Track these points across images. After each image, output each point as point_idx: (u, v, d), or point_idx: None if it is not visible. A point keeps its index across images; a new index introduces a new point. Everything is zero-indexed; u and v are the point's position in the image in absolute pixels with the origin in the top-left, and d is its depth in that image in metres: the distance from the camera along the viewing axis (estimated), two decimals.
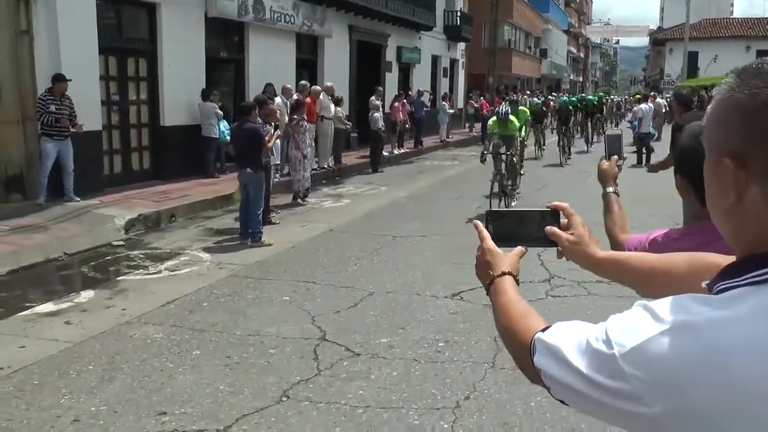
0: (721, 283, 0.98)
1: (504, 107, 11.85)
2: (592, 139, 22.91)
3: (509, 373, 4.82)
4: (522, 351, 1.17)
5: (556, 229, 1.47)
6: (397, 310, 6.17)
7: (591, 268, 1.50)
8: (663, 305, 0.95)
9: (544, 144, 21.24)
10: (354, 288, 6.87)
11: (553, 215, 1.48)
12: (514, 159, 11.77)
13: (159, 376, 4.78)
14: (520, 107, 14.01)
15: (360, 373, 4.87)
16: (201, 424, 4.10)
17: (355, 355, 5.21)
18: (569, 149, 19.63)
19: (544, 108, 22.43)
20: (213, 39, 14.45)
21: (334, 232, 9.66)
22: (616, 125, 35.75)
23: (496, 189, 10.84)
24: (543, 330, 1.12)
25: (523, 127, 12.94)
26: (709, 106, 1.03)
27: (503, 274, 1.39)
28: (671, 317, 0.92)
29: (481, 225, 1.50)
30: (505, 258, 1.42)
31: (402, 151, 20.15)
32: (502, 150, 11.17)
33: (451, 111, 25.29)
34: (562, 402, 1.07)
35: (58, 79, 9.98)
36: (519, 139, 12.51)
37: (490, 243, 1.45)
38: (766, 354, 0.86)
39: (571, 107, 22.23)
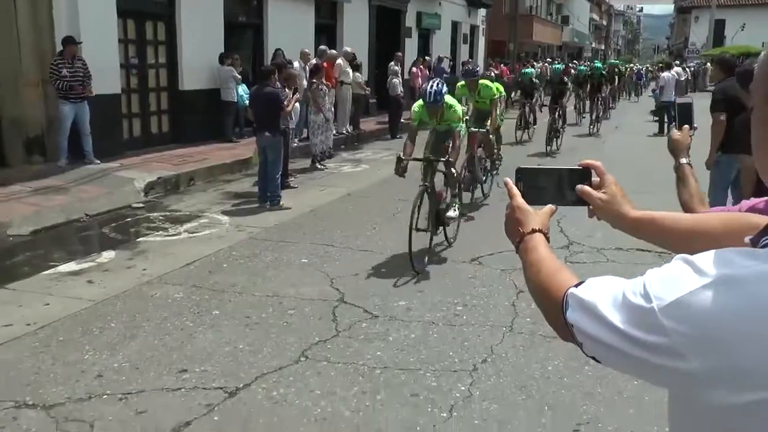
0: (767, 238, 0.95)
1: (435, 84, 6.70)
2: (592, 113, 18.10)
3: (527, 337, 4.85)
4: (553, 307, 1.15)
5: (587, 187, 1.44)
6: (415, 273, 6.18)
7: (623, 227, 1.46)
8: (705, 258, 0.93)
9: (563, 125, 15.75)
10: (372, 251, 6.89)
11: (584, 174, 1.45)
12: (454, 171, 6.99)
13: (179, 334, 4.84)
14: (484, 82, 9.29)
15: (378, 335, 4.90)
16: (221, 381, 4.15)
17: (373, 317, 5.25)
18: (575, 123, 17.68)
19: (564, 78, 15.92)
20: (231, 3, 14.34)
21: (352, 197, 9.66)
22: (636, 95, 34.24)
23: (421, 223, 6.48)
24: (576, 285, 1.10)
25: (493, 112, 9.13)
26: (760, 59, 1.03)
27: (533, 231, 1.37)
28: (715, 270, 0.90)
29: (511, 183, 1.47)
30: (535, 215, 1.40)
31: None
32: (433, 156, 6.90)
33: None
34: (594, 359, 1.05)
35: (69, 41, 9.95)
36: (485, 129, 9.04)
37: (519, 200, 1.43)
38: None
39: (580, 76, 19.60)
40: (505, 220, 1.45)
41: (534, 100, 16.79)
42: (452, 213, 7.09)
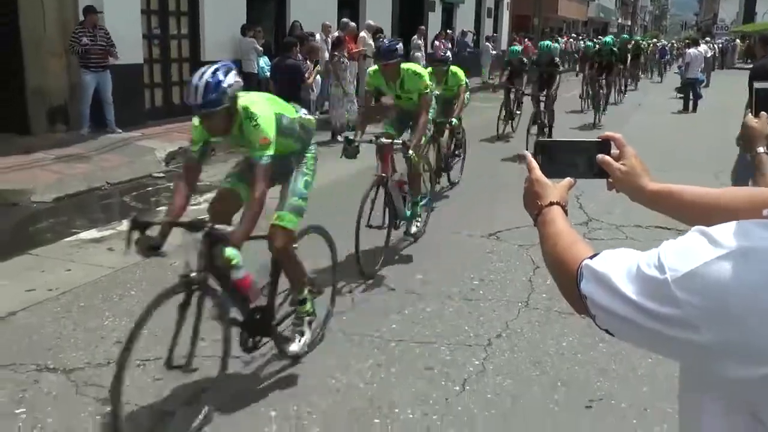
0: None
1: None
2: (595, 99, 15.31)
3: (542, 313, 4.84)
4: (568, 279, 1.15)
5: (608, 158, 1.43)
6: (433, 248, 6.19)
7: (643, 200, 1.45)
8: (722, 230, 0.92)
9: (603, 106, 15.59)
10: None
11: (604, 146, 1.44)
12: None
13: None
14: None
15: (394, 308, 4.92)
16: (237, 351, 4.19)
17: (389, 290, 5.27)
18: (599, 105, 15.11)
19: (555, 59, 12.57)
20: None
21: (373, 169, 9.62)
22: (660, 75, 31.37)
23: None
24: (591, 257, 1.10)
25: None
26: None
27: (551, 204, 1.36)
28: (732, 242, 0.89)
29: (530, 156, 1.46)
30: (554, 188, 1.40)
31: None
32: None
33: (494, 52, 24.81)
34: (607, 331, 1.05)
35: (90, 10, 10.00)
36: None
37: (538, 173, 1.42)
38: None
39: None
40: (524, 193, 1.44)
41: (524, 83, 13.18)
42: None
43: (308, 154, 4.04)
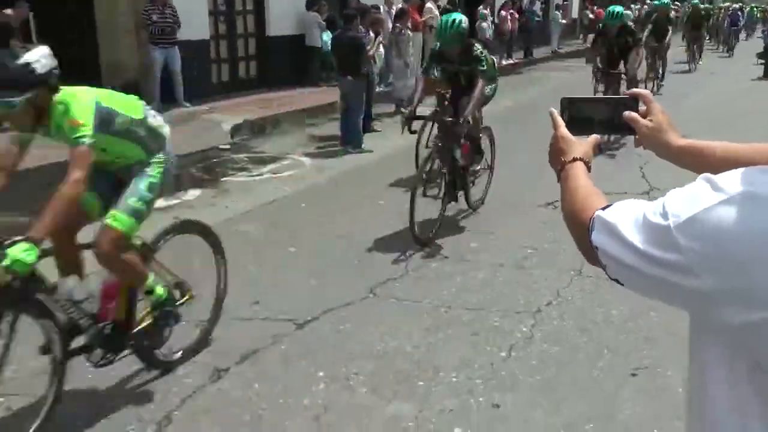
0: None
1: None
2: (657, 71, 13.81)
3: (594, 281, 4.80)
4: (582, 231, 1.16)
5: (634, 114, 1.42)
6: (490, 217, 6.19)
7: (670, 157, 1.44)
8: (727, 176, 0.92)
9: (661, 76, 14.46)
10: None
11: (631, 103, 1.44)
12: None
13: (255, 269, 5.06)
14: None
15: (447, 275, 4.98)
16: (291, 314, 4.35)
17: (443, 258, 5.33)
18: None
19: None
20: None
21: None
22: (729, 47, 25.33)
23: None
24: (603, 209, 1.11)
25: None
26: None
27: (574, 159, 1.37)
28: (735, 188, 0.89)
29: (555, 113, 1.47)
30: (578, 145, 1.41)
31: (511, 61, 19.60)
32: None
33: (564, 21, 24.20)
34: (617, 281, 1.07)
35: None
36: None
37: (563, 130, 1.44)
38: None
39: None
40: (549, 149, 1.45)
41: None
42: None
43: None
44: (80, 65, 9.93)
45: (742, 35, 27.26)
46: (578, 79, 16.32)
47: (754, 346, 0.92)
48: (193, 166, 8.22)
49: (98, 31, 10.45)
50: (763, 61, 16.89)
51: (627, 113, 1.42)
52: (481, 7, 17.23)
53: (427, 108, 6.43)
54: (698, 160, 1.39)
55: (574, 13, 29.07)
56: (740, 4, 27.53)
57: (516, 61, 19.96)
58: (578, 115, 1.46)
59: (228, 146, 9.25)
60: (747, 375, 0.95)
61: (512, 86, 16.11)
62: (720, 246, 0.87)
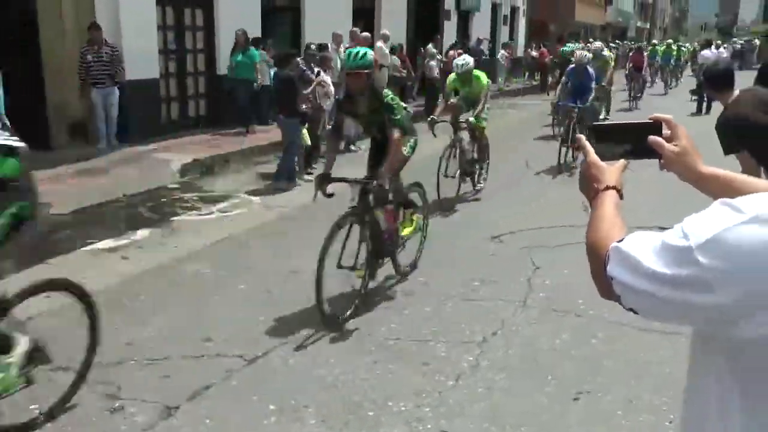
0: None
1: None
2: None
3: (540, 312, 4.97)
4: (598, 263, 1.19)
5: (659, 139, 1.45)
6: (437, 250, 6.32)
7: (693, 181, 1.47)
8: (745, 199, 0.99)
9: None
10: None
11: (655, 128, 1.46)
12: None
13: (206, 308, 5.08)
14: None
15: (396, 308, 5.08)
16: (241, 350, 4.37)
17: (392, 291, 5.43)
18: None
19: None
20: None
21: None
22: (666, 84, 24.68)
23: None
24: (619, 241, 1.15)
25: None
26: None
27: (607, 188, 1.39)
28: (753, 209, 0.96)
29: (584, 139, 1.49)
30: (611, 172, 1.42)
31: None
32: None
33: (507, 58, 24.84)
34: (632, 310, 1.14)
35: (91, 27, 10.09)
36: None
37: (594, 157, 1.45)
38: None
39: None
40: (580, 176, 1.48)
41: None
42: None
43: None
44: (26, 105, 9.87)
45: (658, 78, 25.34)
46: (528, 115, 16.80)
47: (758, 357, 1.01)
48: (141, 205, 8.19)
49: (44, 70, 10.37)
50: (696, 98, 17.62)
51: (652, 138, 1.44)
52: (429, 45, 17.65)
53: None
54: (720, 187, 1.43)
55: (520, 52, 29.93)
56: (667, 43, 27.67)
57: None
58: (605, 141, 1.48)
59: (177, 185, 9.24)
60: (738, 384, 1.06)
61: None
62: (740, 262, 0.95)
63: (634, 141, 1.46)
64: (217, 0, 13.02)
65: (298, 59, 10.23)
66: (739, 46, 34.10)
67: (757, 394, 1.04)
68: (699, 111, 16.89)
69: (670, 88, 24.58)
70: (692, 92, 18.04)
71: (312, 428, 3.53)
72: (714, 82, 4.85)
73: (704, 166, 1.45)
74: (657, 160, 1.46)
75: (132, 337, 4.56)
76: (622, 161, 1.45)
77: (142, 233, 7.02)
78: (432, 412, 3.66)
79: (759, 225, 0.94)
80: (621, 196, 1.38)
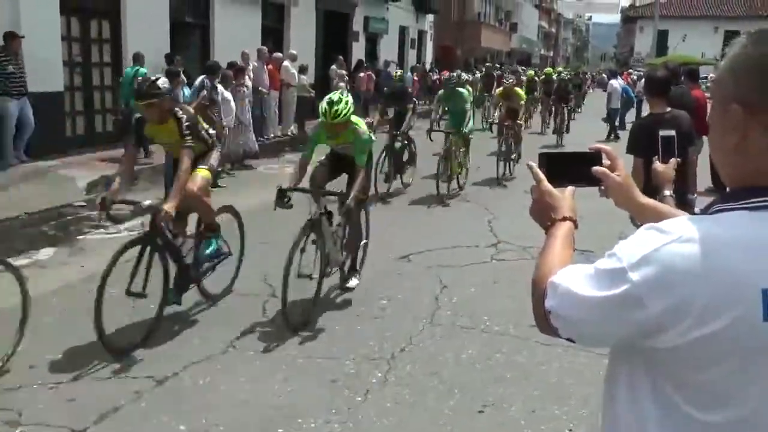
0: (717, 206, 1.17)
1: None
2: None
3: (445, 328, 5.17)
4: (538, 297, 1.25)
5: (605, 169, 1.52)
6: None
7: (632, 209, 1.57)
8: (668, 223, 1.12)
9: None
10: None
11: (597, 157, 1.55)
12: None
13: (113, 328, 5.00)
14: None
15: (306, 327, 5.15)
16: (151, 371, 4.35)
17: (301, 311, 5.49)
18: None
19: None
20: (178, 2, 14.40)
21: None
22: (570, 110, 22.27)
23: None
24: (554, 275, 1.22)
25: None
26: (722, 61, 1.18)
27: (564, 219, 1.42)
28: (677, 231, 1.09)
29: (536, 167, 1.51)
30: (565, 200, 1.45)
31: (368, 120, 20.27)
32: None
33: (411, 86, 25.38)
34: (569, 340, 1.22)
35: (12, 36, 9.80)
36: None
37: (548, 185, 1.47)
38: (747, 248, 1.06)
39: None
40: (533, 203, 1.49)
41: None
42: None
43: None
44: None
45: None
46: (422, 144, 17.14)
47: (678, 366, 1.12)
48: (45, 224, 7.95)
49: None
50: (608, 124, 18.69)
51: (597, 169, 1.52)
52: (334, 66, 17.90)
53: None
54: (653, 216, 1.48)
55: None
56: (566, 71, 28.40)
57: (370, 120, 20.68)
58: (554, 169, 1.53)
59: (83, 203, 9.00)
60: (651, 393, 1.17)
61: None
62: (668, 276, 1.07)
63: (579, 168, 1.53)
64: (124, 12, 12.79)
65: (203, 77, 10.28)
66: (635, 77, 35.93)
67: (671, 403, 1.16)
68: (608, 137, 17.83)
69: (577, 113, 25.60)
70: (604, 120, 19.10)
71: None
72: (650, 85, 5.26)
73: (641, 196, 1.57)
74: (597, 187, 1.55)
75: (34, 361, 4.45)
76: (570, 188, 1.49)
77: (46, 252, 6.84)
78: (341, 427, 3.76)
79: (682, 243, 1.07)
80: (576, 226, 1.43)
